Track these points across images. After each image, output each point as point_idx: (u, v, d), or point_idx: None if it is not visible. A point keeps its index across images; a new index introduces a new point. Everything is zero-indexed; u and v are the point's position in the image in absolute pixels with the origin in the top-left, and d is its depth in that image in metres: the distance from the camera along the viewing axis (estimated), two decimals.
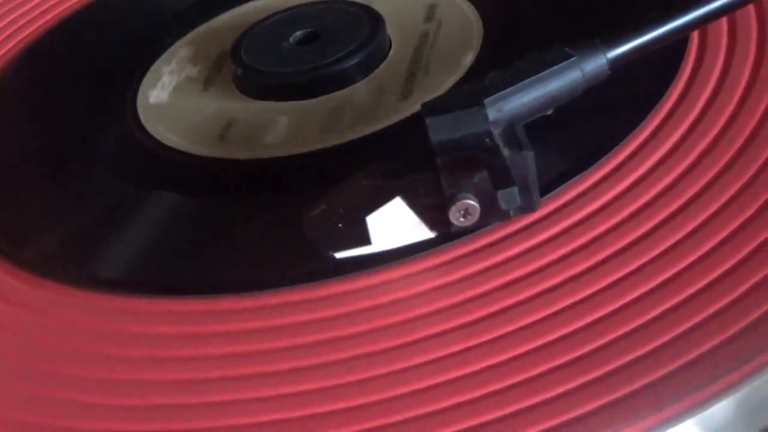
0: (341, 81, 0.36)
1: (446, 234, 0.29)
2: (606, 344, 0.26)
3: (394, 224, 0.29)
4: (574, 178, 0.31)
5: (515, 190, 0.27)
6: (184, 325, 0.30)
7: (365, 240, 0.29)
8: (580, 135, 0.32)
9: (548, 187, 0.30)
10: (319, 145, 0.34)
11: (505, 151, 0.28)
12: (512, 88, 0.29)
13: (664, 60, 0.33)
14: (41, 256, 0.34)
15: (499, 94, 0.29)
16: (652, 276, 0.27)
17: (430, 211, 0.29)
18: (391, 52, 0.38)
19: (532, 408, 0.25)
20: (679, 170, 0.31)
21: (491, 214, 0.29)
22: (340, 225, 0.29)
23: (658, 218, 0.29)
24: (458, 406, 0.25)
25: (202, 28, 0.42)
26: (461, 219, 0.28)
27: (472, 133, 0.29)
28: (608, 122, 0.33)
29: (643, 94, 0.33)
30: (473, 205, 0.28)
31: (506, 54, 0.35)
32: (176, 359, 0.29)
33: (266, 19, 0.39)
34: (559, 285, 0.28)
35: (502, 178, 0.27)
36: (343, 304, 0.29)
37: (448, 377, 0.26)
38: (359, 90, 0.36)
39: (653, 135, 0.32)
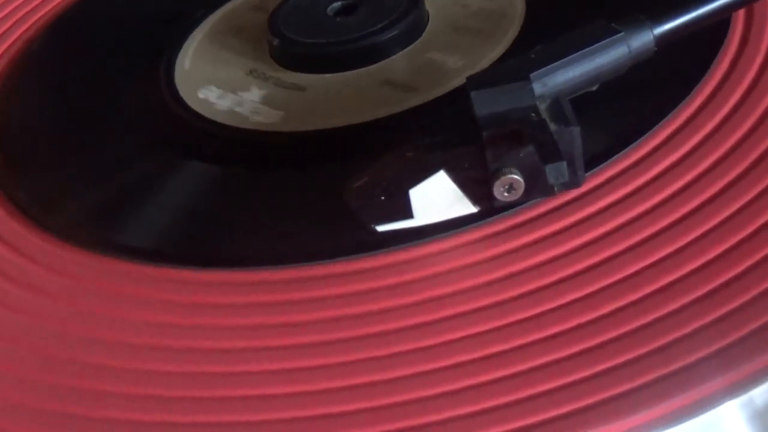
0: (380, 53, 0.36)
1: (488, 209, 0.29)
2: (647, 324, 0.26)
3: (437, 198, 0.28)
4: (618, 155, 0.30)
5: (564, 164, 0.27)
6: (219, 295, 0.30)
7: (408, 213, 0.28)
8: (622, 112, 0.32)
9: (591, 163, 0.30)
10: (361, 118, 0.34)
11: (552, 126, 0.28)
12: (558, 63, 0.29)
13: (707, 37, 0.33)
14: (73, 223, 0.34)
15: (544, 68, 0.29)
16: (697, 255, 0.27)
17: (474, 185, 0.28)
18: (429, 24, 0.37)
19: (573, 384, 0.25)
20: (722, 150, 0.30)
21: (535, 190, 0.28)
22: (382, 197, 0.28)
23: (701, 198, 0.29)
24: (496, 381, 0.25)
25: (231, 3, 0.42)
26: (505, 194, 0.28)
27: (518, 108, 0.28)
28: (651, 99, 0.32)
29: (686, 71, 0.33)
30: (518, 180, 0.28)
31: (548, 28, 0.35)
32: (214, 328, 0.29)
33: None
34: (602, 262, 0.28)
35: (550, 152, 0.27)
36: (382, 277, 0.29)
37: (487, 352, 0.26)
38: (399, 62, 0.36)
39: (695, 114, 0.32)
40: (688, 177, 0.30)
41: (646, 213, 0.29)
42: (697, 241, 0.28)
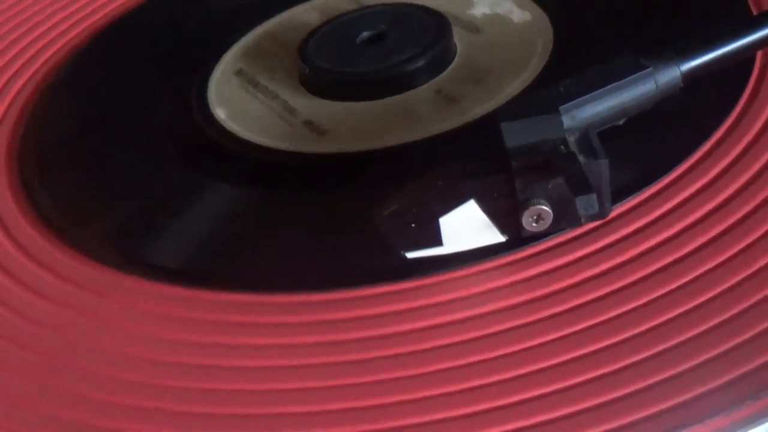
0: (408, 82, 0.37)
1: (516, 238, 0.29)
2: (667, 349, 0.26)
3: (466, 226, 0.29)
4: (644, 188, 0.31)
5: (594, 196, 0.27)
6: (245, 315, 0.30)
7: (437, 240, 0.29)
8: (648, 145, 0.33)
9: (618, 196, 0.30)
10: (389, 144, 0.34)
11: (581, 158, 0.28)
12: (587, 96, 0.30)
13: (730, 72, 0.33)
14: (100, 240, 0.34)
15: (574, 101, 0.29)
16: (718, 282, 0.28)
17: (502, 214, 0.29)
18: (458, 53, 0.38)
19: (592, 408, 0.25)
20: (743, 181, 0.31)
21: (562, 220, 0.29)
22: (412, 224, 0.29)
23: (721, 227, 0.30)
24: (524, 402, 0.26)
25: (267, 25, 0.42)
26: (533, 224, 0.29)
27: (548, 139, 0.29)
28: (674, 134, 0.33)
29: (707, 107, 0.33)
30: (546, 211, 0.28)
31: (574, 60, 0.36)
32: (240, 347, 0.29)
33: (333, 19, 0.40)
34: (624, 288, 0.28)
35: (580, 184, 0.28)
36: (410, 299, 0.29)
37: (513, 374, 0.27)
38: (428, 92, 0.37)
39: (716, 147, 0.32)
40: (709, 207, 0.30)
41: (667, 241, 0.29)
42: (718, 268, 0.28)
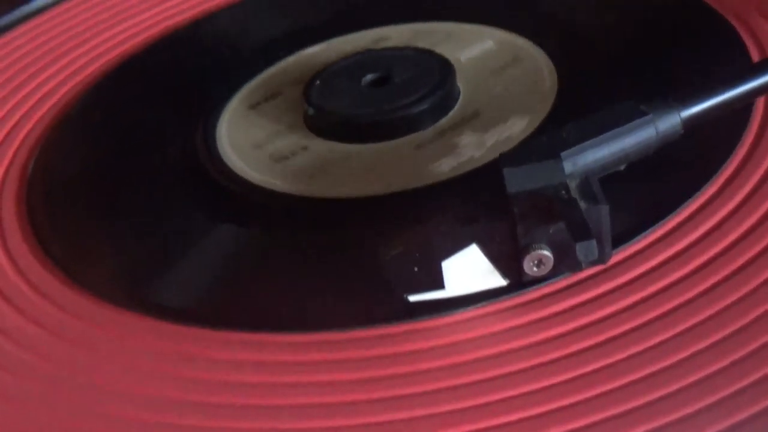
0: (414, 125, 0.37)
1: (518, 282, 0.30)
2: (671, 393, 0.26)
3: (468, 270, 0.29)
4: (644, 233, 0.31)
5: (593, 242, 0.28)
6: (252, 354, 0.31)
7: (439, 284, 0.29)
8: (648, 190, 0.33)
9: (617, 241, 0.31)
10: (394, 188, 0.35)
11: (581, 204, 0.29)
12: (588, 142, 0.30)
13: (731, 118, 0.34)
14: (106, 279, 0.34)
15: (575, 148, 0.30)
16: (720, 327, 0.28)
17: (504, 259, 0.29)
18: (461, 97, 0.39)
19: None
20: (743, 228, 0.31)
21: (563, 265, 0.29)
22: (415, 268, 0.29)
23: (722, 274, 0.30)
24: None
25: (273, 67, 0.43)
26: (534, 269, 0.29)
27: (549, 185, 0.29)
28: (677, 179, 0.33)
29: (706, 154, 0.34)
30: (547, 256, 0.29)
31: (578, 104, 0.36)
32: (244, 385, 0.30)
33: (338, 61, 0.40)
34: (625, 333, 0.29)
35: (580, 230, 0.28)
36: (411, 341, 0.30)
37: (512, 418, 0.27)
38: (431, 135, 0.37)
39: (718, 194, 0.33)
40: (710, 254, 0.30)
41: (669, 287, 0.30)
42: (720, 314, 0.28)
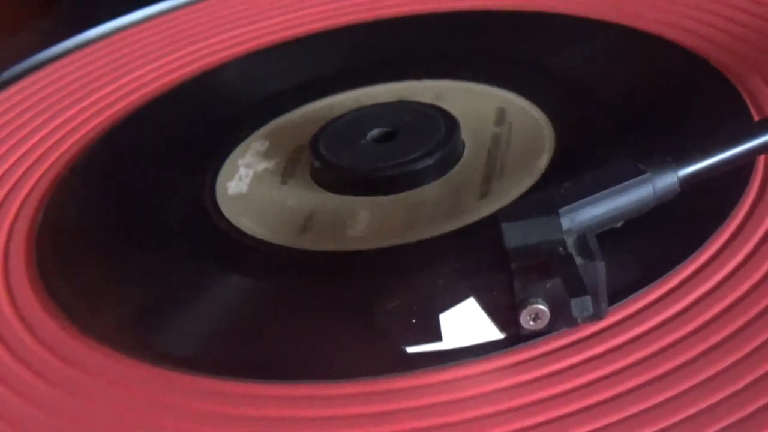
0: (418, 180, 0.38)
1: (515, 336, 0.30)
2: None
3: (465, 323, 0.30)
4: (641, 290, 0.31)
5: (588, 299, 0.28)
6: (257, 407, 0.31)
7: (437, 336, 0.30)
8: (647, 247, 0.33)
9: (614, 297, 0.31)
10: (395, 241, 0.35)
11: (578, 260, 0.29)
12: (586, 199, 0.31)
13: (731, 176, 0.34)
14: (111, 326, 0.35)
15: (572, 204, 0.30)
16: (716, 390, 0.28)
17: (501, 312, 0.30)
18: (465, 153, 0.39)
19: None
20: (744, 288, 0.31)
21: (560, 320, 0.29)
22: (413, 320, 0.30)
23: (721, 335, 0.30)
24: None
25: (275, 123, 0.44)
26: (531, 323, 0.29)
27: (546, 241, 0.30)
28: (676, 236, 0.33)
29: (708, 211, 0.34)
30: (543, 310, 0.29)
31: (579, 158, 0.37)
32: None
33: (344, 115, 0.41)
34: (623, 394, 0.29)
35: (576, 286, 0.28)
36: (410, 397, 0.30)
37: None
38: (435, 189, 0.38)
39: (718, 253, 0.33)
40: (709, 314, 0.31)
41: (667, 348, 0.30)
42: (717, 377, 0.28)
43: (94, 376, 0.33)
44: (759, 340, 0.29)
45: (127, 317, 0.35)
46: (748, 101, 0.39)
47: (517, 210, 0.30)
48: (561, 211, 0.30)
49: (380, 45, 0.48)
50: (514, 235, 0.30)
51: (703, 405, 0.28)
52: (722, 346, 0.29)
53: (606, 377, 0.29)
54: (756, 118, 0.38)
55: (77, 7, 0.59)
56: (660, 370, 0.29)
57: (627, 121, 0.39)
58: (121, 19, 0.55)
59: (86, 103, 0.49)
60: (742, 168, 0.34)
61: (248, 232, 0.37)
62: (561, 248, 0.29)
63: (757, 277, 0.32)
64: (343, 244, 0.36)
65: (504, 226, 0.30)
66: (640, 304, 0.31)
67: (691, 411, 0.28)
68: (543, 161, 0.38)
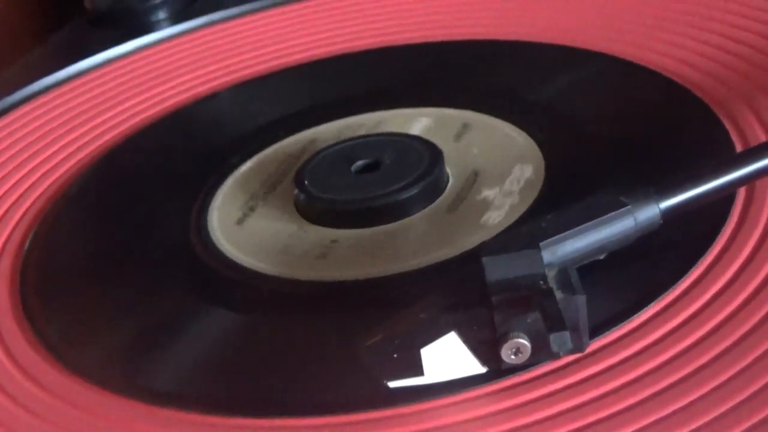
0: (401, 211, 0.38)
1: (497, 370, 0.30)
2: None
3: (447, 357, 0.30)
4: (621, 324, 0.31)
5: (566, 334, 0.28)
6: None
7: (419, 371, 0.30)
8: (627, 279, 0.33)
9: (595, 331, 0.31)
10: (376, 273, 0.35)
11: (558, 294, 0.29)
12: (567, 233, 0.31)
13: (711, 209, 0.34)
14: (97, 362, 0.35)
15: (554, 238, 0.30)
16: (696, 416, 0.28)
17: (483, 346, 0.30)
18: (449, 185, 0.39)
19: None
20: (722, 316, 0.31)
21: (540, 353, 0.29)
22: (395, 355, 0.30)
23: (700, 362, 0.30)
24: None
25: (262, 154, 0.44)
26: (512, 357, 0.29)
27: (527, 275, 0.30)
28: (653, 268, 0.34)
29: (690, 241, 0.34)
30: (525, 344, 0.29)
31: (563, 192, 0.37)
32: None
33: (328, 147, 0.41)
34: (606, 418, 0.29)
35: (554, 321, 0.28)
36: (392, 426, 0.30)
37: None
38: (418, 221, 0.38)
39: (697, 283, 0.33)
40: (688, 342, 0.31)
41: (646, 375, 0.30)
42: (697, 402, 0.29)
43: (81, 412, 0.33)
44: (734, 370, 0.30)
45: (112, 354, 0.35)
46: (729, 129, 0.39)
47: (498, 244, 0.31)
48: (542, 244, 0.30)
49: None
50: (495, 269, 0.30)
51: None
52: (705, 369, 0.30)
53: (590, 402, 0.29)
54: (738, 146, 0.38)
55: (70, 39, 0.59)
56: (639, 397, 0.29)
57: (615, 145, 0.40)
58: (111, 51, 0.56)
59: (67, 140, 0.49)
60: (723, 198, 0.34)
61: (233, 258, 0.38)
62: (542, 282, 0.29)
63: (735, 304, 0.32)
64: (323, 275, 0.36)
65: (485, 260, 0.30)
66: (620, 333, 0.31)
67: None
68: (532, 189, 0.38)
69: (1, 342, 0.36)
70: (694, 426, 0.28)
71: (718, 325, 0.31)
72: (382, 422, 0.30)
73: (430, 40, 0.51)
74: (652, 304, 0.32)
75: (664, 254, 0.34)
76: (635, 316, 0.32)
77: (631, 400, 0.29)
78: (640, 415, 0.29)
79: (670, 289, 0.32)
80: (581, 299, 0.29)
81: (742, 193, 0.36)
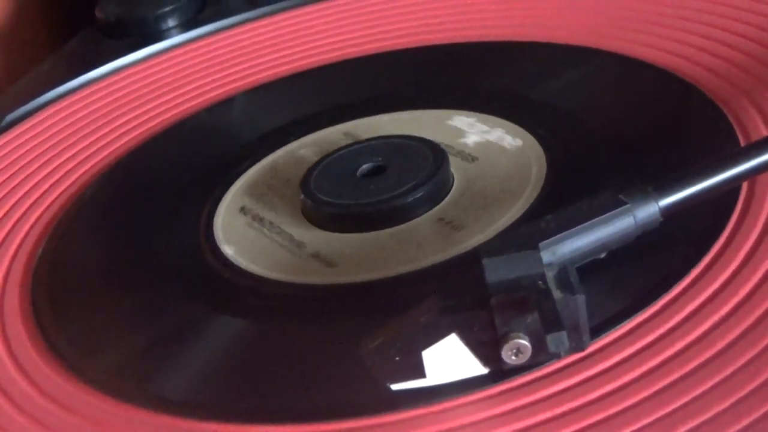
0: (406, 214, 0.38)
1: (499, 371, 0.30)
2: None
3: (448, 359, 0.30)
4: (624, 322, 0.32)
5: (564, 334, 0.28)
6: None
7: (420, 373, 0.30)
8: (629, 277, 0.33)
9: (598, 328, 0.31)
10: (381, 275, 0.36)
11: (557, 294, 0.29)
12: (566, 232, 0.31)
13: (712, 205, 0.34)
14: (107, 371, 0.35)
15: (553, 238, 0.30)
16: (697, 413, 0.28)
17: (484, 347, 0.30)
18: (453, 186, 0.39)
19: None
20: (723, 312, 0.31)
21: (542, 353, 0.30)
22: (396, 357, 0.30)
23: (703, 357, 0.30)
24: None
25: (269, 159, 0.44)
26: (513, 357, 0.29)
27: (527, 275, 0.30)
28: (656, 266, 0.34)
29: (691, 238, 0.34)
30: (525, 345, 0.29)
31: (566, 190, 0.37)
32: None
33: (333, 153, 0.42)
34: (608, 418, 0.29)
35: (552, 321, 0.29)
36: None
37: None
38: (423, 223, 0.38)
39: (697, 280, 0.33)
40: (690, 338, 0.31)
41: (649, 373, 0.30)
42: (700, 398, 0.29)
43: (91, 422, 0.33)
44: (736, 365, 0.30)
45: (123, 362, 0.36)
46: (734, 124, 0.39)
47: (498, 244, 0.31)
48: (542, 244, 0.30)
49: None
50: (495, 270, 0.30)
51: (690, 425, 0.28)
52: (708, 365, 0.30)
53: (592, 403, 0.29)
54: (742, 141, 0.38)
55: (82, 48, 0.60)
56: (642, 395, 0.29)
57: (616, 142, 0.40)
58: (123, 59, 0.56)
59: (72, 152, 0.49)
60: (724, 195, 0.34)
61: (249, 270, 0.38)
62: (541, 282, 0.30)
63: (736, 300, 0.32)
64: (331, 279, 0.36)
65: (485, 261, 0.30)
66: (622, 331, 0.32)
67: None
68: (535, 186, 0.38)
69: (10, 350, 0.36)
70: (696, 422, 0.28)
71: (718, 323, 0.31)
72: (396, 426, 0.30)
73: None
74: (652, 304, 0.32)
75: (664, 254, 0.34)
76: (635, 315, 0.32)
77: (635, 399, 0.29)
78: (644, 413, 0.29)
79: (670, 289, 0.32)
80: (580, 299, 0.29)
81: (742, 193, 0.36)
